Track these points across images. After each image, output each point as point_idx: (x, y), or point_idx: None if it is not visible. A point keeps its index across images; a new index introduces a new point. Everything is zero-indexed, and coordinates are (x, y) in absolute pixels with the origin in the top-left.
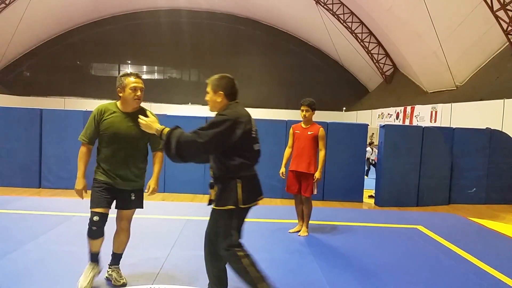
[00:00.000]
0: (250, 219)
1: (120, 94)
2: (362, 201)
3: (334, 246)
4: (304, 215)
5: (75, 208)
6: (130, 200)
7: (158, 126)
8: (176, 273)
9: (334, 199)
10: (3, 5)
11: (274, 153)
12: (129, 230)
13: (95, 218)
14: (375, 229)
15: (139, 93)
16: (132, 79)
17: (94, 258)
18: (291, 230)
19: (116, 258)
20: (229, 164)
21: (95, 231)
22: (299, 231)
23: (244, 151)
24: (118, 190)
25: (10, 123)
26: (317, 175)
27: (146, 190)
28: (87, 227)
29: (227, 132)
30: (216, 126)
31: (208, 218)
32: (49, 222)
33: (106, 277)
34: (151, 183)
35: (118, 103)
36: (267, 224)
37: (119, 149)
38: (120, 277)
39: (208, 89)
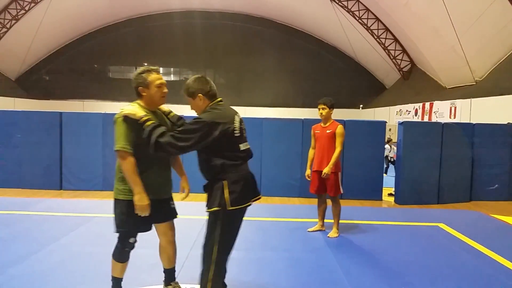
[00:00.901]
0: (268, 218)
1: (144, 93)
2: (381, 199)
3: (354, 245)
4: (333, 216)
5: (95, 209)
6: (171, 208)
7: (142, 113)
8: (196, 272)
9: (353, 197)
10: (23, 11)
11: (291, 152)
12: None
13: (132, 240)
14: (396, 227)
15: (165, 90)
16: (156, 75)
17: (119, 285)
18: (310, 229)
19: (171, 273)
20: (213, 165)
21: (127, 252)
22: (318, 230)
23: (227, 151)
24: (158, 203)
25: (31, 126)
26: (325, 169)
27: (180, 192)
28: (117, 249)
29: (203, 135)
30: (193, 131)
31: None
32: (70, 223)
33: None
34: (185, 185)
35: (141, 102)
36: (286, 223)
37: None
38: None
39: (186, 97)
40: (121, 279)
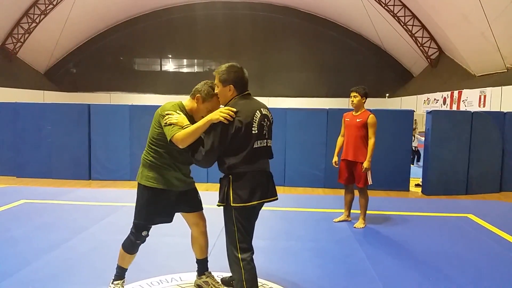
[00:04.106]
0: (292, 208)
1: (196, 101)
2: (408, 190)
3: (381, 236)
4: (360, 206)
5: (124, 198)
6: (198, 200)
7: (186, 122)
8: (223, 260)
9: (379, 188)
10: (50, 6)
11: (315, 143)
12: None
13: (144, 233)
14: (423, 218)
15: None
16: (216, 102)
17: (124, 274)
18: (336, 219)
19: (204, 264)
20: (222, 159)
21: (138, 245)
22: (344, 220)
23: (237, 149)
24: (185, 193)
25: (61, 118)
26: (365, 164)
27: None
28: (129, 241)
29: (221, 135)
30: (211, 134)
31: None
32: (100, 212)
33: (198, 285)
34: None
35: (187, 102)
36: (311, 213)
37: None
38: (217, 282)
39: (217, 81)
40: (126, 269)
